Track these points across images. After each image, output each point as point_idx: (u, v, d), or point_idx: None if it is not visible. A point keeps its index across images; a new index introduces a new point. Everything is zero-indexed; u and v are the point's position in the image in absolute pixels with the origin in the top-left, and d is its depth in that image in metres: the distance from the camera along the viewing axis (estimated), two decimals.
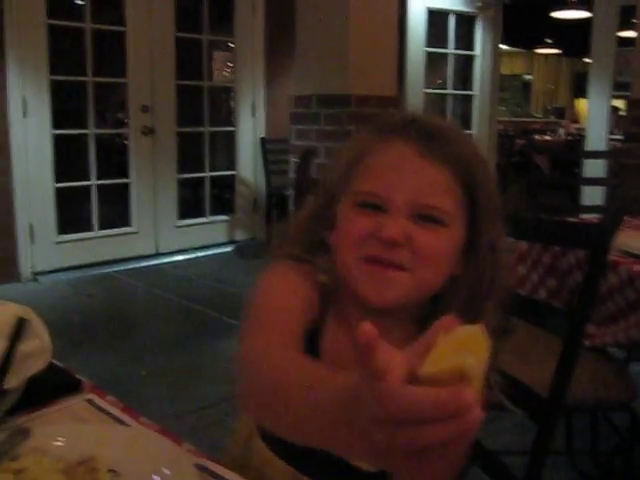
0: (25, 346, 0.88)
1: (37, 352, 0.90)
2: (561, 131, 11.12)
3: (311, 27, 3.46)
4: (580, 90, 12.28)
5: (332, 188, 0.87)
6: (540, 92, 15.01)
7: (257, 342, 0.73)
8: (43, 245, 4.59)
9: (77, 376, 0.95)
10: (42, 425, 0.78)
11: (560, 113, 13.78)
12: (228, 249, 5.46)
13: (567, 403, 1.75)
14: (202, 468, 0.71)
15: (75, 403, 0.89)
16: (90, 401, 0.89)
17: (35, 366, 0.88)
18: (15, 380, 0.84)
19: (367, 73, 3.28)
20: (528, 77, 14.84)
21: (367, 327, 0.43)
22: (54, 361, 0.95)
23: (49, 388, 0.90)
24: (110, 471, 0.70)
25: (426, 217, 0.79)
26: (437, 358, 0.41)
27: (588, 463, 2.30)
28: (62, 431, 0.77)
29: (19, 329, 0.57)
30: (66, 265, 4.67)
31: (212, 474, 0.70)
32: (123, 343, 3.45)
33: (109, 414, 0.85)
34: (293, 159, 3.61)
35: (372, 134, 0.85)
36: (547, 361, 1.61)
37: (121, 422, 0.83)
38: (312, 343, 0.85)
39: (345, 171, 0.85)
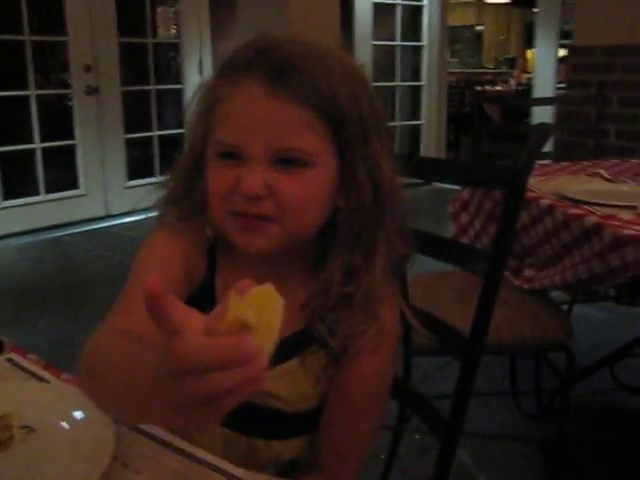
0: None
1: None
2: (512, 81, 11.18)
3: None
4: (531, 40, 12.32)
5: (196, 138, 0.83)
6: (492, 43, 15.01)
7: (100, 332, 0.67)
8: None
9: None
10: None
11: (512, 64, 13.82)
12: None
13: (508, 345, 1.80)
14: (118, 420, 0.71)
15: None
16: (11, 360, 0.87)
17: None
18: None
19: (309, 21, 3.23)
20: (479, 28, 14.82)
21: (151, 279, 0.42)
22: None
23: None
24: (24, 427, 0.70)
25: (287, 160, 0.74)
26: (225, 315, 0.42)
27: (531, 403, 2.38)
28: None
29: None
30: (13, 231, 4.57)
31: (131, 427, 0.70)
32: (73, 306, 3.41)
33: (30, 372, 0.84)
34: None
35: (223, 75, 0.78)
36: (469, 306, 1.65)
37: (42, 379, 0.82)
38: (206, 296, 0.85)
39: (203, 120, 0.81)
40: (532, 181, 2.10)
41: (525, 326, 1.77)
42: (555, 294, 2.44)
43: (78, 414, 0.70)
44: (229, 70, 0.78)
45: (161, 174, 5.47)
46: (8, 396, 0.75)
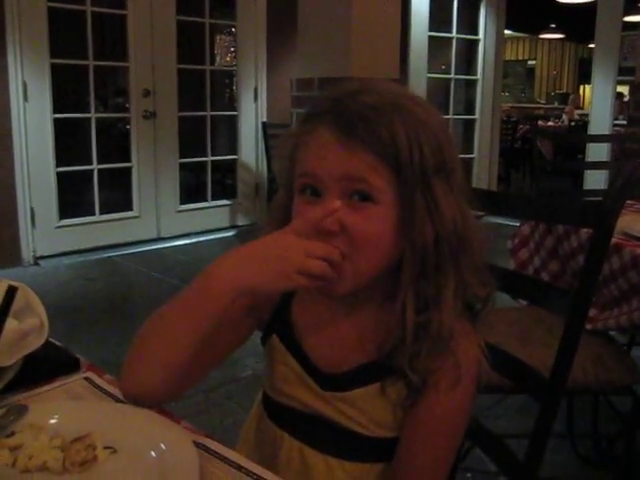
0: (22, 324, 0.88)
1: (34, 330, 0.89)
2: (564, 117, 11.06)
3: (313, 9, 3.42)
4: (584, 76, 12.21)
5: (282, 181, 0.90)
6: (544, 78, 14.93)
7: None
8: (44, 229, 4.58)
9: (75, 355, 0.95)
10: (39, 402, 0.78)
11: (564, 99, 13.70)
12: (230, 234, 5.45)
13: (569, 386, 1.75)
14: (200, 445, 0.70)
15: (73, 381, 0.88)
16: (88, 379, 0.88)
17: (32, 344, 0.87)
18: (11, 358, 0.84)
19: (369, 55, 3.25)
20: (532, 62, 14.77)
21: None
22: (52, 340, 0.94)
23: (47, 366, 0.90)
24: (107, 448, 0.70)
25: (356, 192, 0.80)
26: None
27: (589, 447, 2.30)
28: (59, 408, 0.77)
29: (9, 300, 0.56)
30: (67, 249, 4.67)
31: (209, 451, 0.70)
32: (124, 326, 3.44)
33: (107, 392, 0.84)
34: None
35: (303, 123, 0.86)
36: (549, 344, 1.60)
37: (119, 400, 0.82)
38: (285, 310, 0.94)
39: (289, 164, 0.87)
40: None
41: (589, 367, 1.72)
42: (613, 334, 2.38)
43: (160, 437, 0.70)
44: (308, 118, 0.86)
45: (213, 199, 5.55)
46: (88, 415, 0.75)
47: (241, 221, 5.67)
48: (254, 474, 0.68)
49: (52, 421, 0.73)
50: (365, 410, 0.87)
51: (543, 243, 2.21)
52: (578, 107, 12.15)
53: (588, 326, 1.93)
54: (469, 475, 2.16)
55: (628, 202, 2.45)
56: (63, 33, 4.67)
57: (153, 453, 0.67)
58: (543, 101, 14.12)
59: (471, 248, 0.84)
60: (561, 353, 1.01)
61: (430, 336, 0.82)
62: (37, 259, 4.53)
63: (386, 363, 0.84)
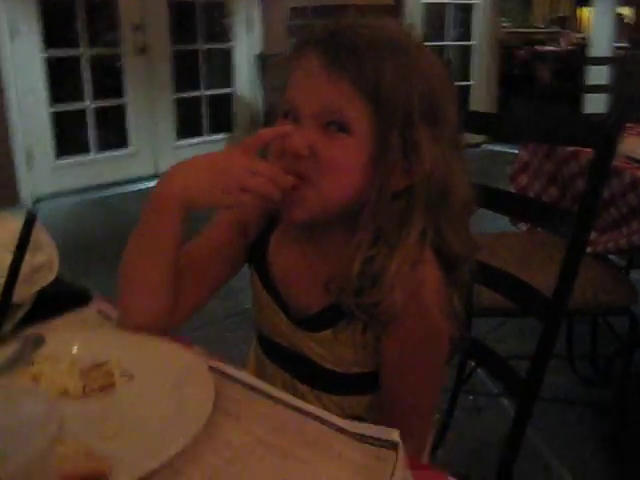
0: (33, 259, 0.89)
1: (45, 265, 0.90)
2: (562, 41, 10.86)
3: None
4: None
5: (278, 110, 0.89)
6: (542, 2, 14.58)
7: None
8: (41, 170, 4.57)
9: (85, 288, 0.96)
10: (55, 333, 0.80)
11: (562, 23, 13.42)
12: None
13: (569, 307, 1.79)
14: (217, 371, 0.73)
15: (85, 313, 0.90)
16: (100, 311, 0.90)
17: (44, 279, 0.89)
18: (24, 293, 0.85)
19: None
20: None
21: None
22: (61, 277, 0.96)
23: (59, 300, 0.91)
24: (124, 374, 0.72)
25: (332, 123, 0.80)
26: None
27: (588, 367, 2.36)
28: (74, 338, 0.79)
29: (29, 229, 0.57)
30: (65, 189, 4.66)
31: (224, 374, 0.72)
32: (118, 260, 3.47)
33: None
34: None
35: (291, 51, 0.86)
36: (550, 268, 1.63)
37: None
38: (261, 252, 0.94)
39: (282, 90, 0.87)
40: None
41: (588, 289, 1.75)
42: (612, 258, 2.41)
43: (175, 362, 0.72)
44: (299, 44, 0.86)
45: (210, 133, 5.50)
46: (104, 344, 0.77)
47: None
48: (267, 394, 0.70)
49: (69, 350, 0.75)
50: (333, 351, 0.89)
51: (542, 168, 2.21)
52: (577, 30, 11.91)
53: (588, 249, 1.95)
54: (471, 397, 2.22)
55: (629, 125, 2.44)
56: None
57: (170, 378, 0.69)
58: (542, 25, 13.82)
59: (452, 205, 0.83)
60: (563, 274, 1.02)
61: (371, 275, 0.81)
62: (36, 200, 4.53)
63: (336, 309, 0.86)
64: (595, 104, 5.15)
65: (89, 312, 0.90)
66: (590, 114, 4.26)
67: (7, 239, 0.84)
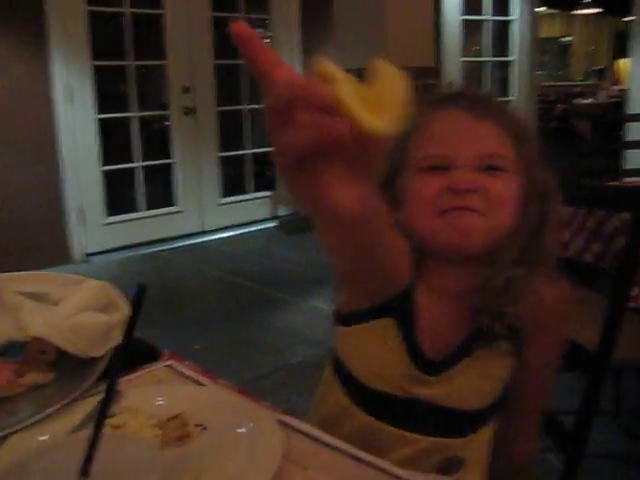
0: (109, 318, 0.97)
1: (120, 324, 0.98)
2: (601, 94, 10.89)
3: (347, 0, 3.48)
4: (621, 50, 11.97)
5: (390, 165, 0.91)
6: (580, 54, 14.68)
7: None
8: (93, 227, 4.74)
9: (155, 345, 1.03)
10: (130, 388, 0.86)
11: (601, 75, 13.47)
12: (271, 225, 5.55)
13: (615, 362, 1.80)
14: (283, 424, 0.78)
15: (156, 369, 0.96)
16: (170, 366, 0.96)
17: (119, 336, 0.96)
18: (103, 349, 0.93)
19: (404, 44, 3.29)
20: (567, 39, 14.53)
21: (239, 24, 0.49)
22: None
23: (132, 357, 0.98)
24: (198, 425, 0.78)
25: (491, 167, 0.86)
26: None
27: (635, 423, 2.34)
28: (150, 391, 0.85)
29: (140, 299, 0.64)
30: (116, 246, 4.81)
31: (294, 429, 0.77)
32: (175, 319, 3.57)
33: (189, 377, 0.93)
34: None
35: (422, 107, 0.92)
36: (593, 324, 1.65)
37: (201, 384, 0.90)
38: (408, 298, 0.90)
39: (401, 145, 0.90)
40: None
41: (634, 344, 1.76)
42: None
43: (246, 415, 0.78)
44: (427, 103, 0.93)
45: (254, 191, 5.63)
46: (178, 397, 0.83)
47: (282, 211, 5.75)
48: (334, 446, 0.75)
49: (146, 403, 0.82)
50: (461, 386, 0.93)
51: (585, 224, 2.24)
52: (616, 83, 11.94)
53: (632, 304, 1.97)
54: None
55: None
56: (103, 35, 4.79)
57: (241, 429, 0.75)
58: (580, 78, 13.90)
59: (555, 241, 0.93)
60: (606, 329, 1.06)
61: (515, 292, 0.88)
62: (87, 256, 4.68)
63: (477, 333, 0.91)
64: (638, 158, 5.15)
65: (160, 367, 0.97)
66: (631, 169, 4.26)
67: (89, 300, 0.92)
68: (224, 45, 5.34)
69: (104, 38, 4.80)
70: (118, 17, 4.77)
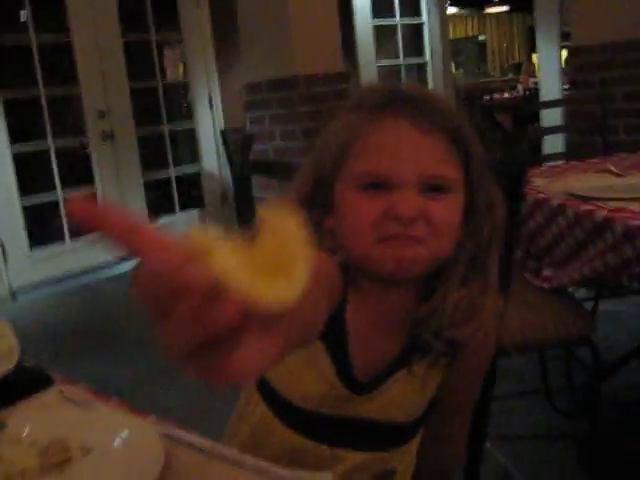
0: None
1: (5, 353, 0.95)
2: (520, 87, 11.20)
3: (251, 13, 3.49)
4: (534, 44, 12.35)
5: (321, 172, 0.87)
6: (495, 51, 15.10)
7: None
8: (16, 262, 4.60)
9: (47, 372, 1.00)
10: (15, 417, 0.83)
11: (517, 69, 13.86)
12: None
13: (533, 344, 1.84)
14: (168, 436, 0.77)
15: (47, 396, 0.94)
16: (61, 391, 0.94)
17: (5, 366, 0.93)
18: None
19: (312, 52, 3.32)
20: (482, 38, 14.91)
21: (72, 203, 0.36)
22: (25, 363, 1.00)
23: (21, 386, 0.95)
24: (82, 448, 0.76)
25: (433, 187, 0.81)
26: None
27: (565, 401, 2.39)
28: (34, 418, 0.83)
29: None
30: (42, 278, 4.68)
31: (176, 440, 0.76)
32: (109, 347, 3.49)
33: (79, 402, 0.90)
34: (255, 147, 3.64)
35: (358, 115, 0.84)
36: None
37: (91, 407, 0.88)
38: (338, 320, 0.87)
39: (336, 155, 0.85)
40: (542, 183, 2.16)
41: (548, 324, 1.81)
42: (581, 292, 2.48)
43: (127, 433, 0.76)
44: (362, 109, 0.84)
45: (181, 211, 5.58)
46: (61, 423, 0.81)
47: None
48: (220, 455, 0.74)
49: (28, 431, 0.79)
50: (394, 402, 0.92)
51: None
52: (532, 75, 12.30)
53: (546, 285, 2.02)
54: None
55: (574, 163, 2.55)
56: (11, 66, 4.68)
57: (120, 446, 0.74)
58: (498, 74, 14.27)
59: (501, 240, 0.91)
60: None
61: (465, 317, 0.87)
62: (13, 293, 4.54)
63: (411, 345, 0.90)
64: (554, 144, 5.32)
65: (50, 394, 0.94)
66: (549, 154, 4.39)
67: None
68: (137, 67, 5.28)
69: (13, 69, 4.69)
70: (25, 47, 4.65)
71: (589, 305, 2.54)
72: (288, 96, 3.32)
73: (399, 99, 0.83)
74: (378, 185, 0.80)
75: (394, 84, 0.89)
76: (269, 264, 0.37)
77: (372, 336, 0.90)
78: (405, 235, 0.79)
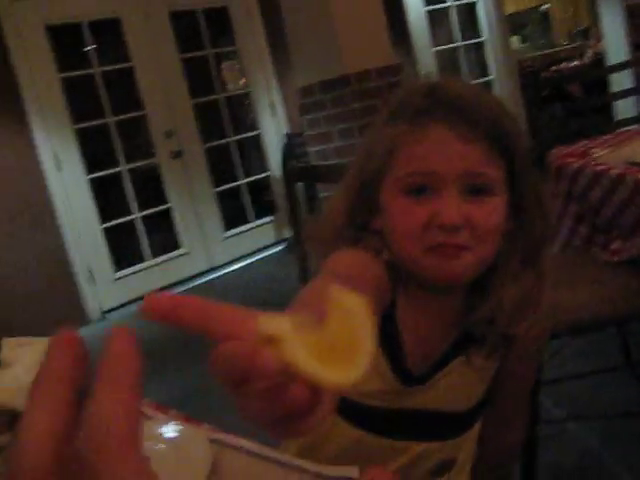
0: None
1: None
2: (589, 52, 10.81)
3: (297, 16, 3.52)
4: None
5: (366, 177, 0.89)
6: (560, 19, 14.61)
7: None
8: (104, 284, 4.81)
9: None
10: None
11: (585, 35, 13.37)
12: (279, 248, 5.57)
13: (603, 322, 1.80)
14: (216, 441, 0.80)
15: None
16: None
17: None
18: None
19: (359, 47, 3.32)
20: (545, 7, 14.47)
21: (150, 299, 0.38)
22: None
23: None
24: None
25: (476, 187, 0.82)
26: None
27: None
28: None
29: None
30: (129, 299, 4.87)
31: (224, 444, 0.80)
32: (195, 361, 3.59)
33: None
34: (310, 149, 3.68)
35: (398, 123, 0.85)
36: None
37: (151, 418, 0.93)
38: (390, 318, 0.90)
39: (380, 163, 0.87)
40: (603, 152, 2.10)
41: (618, 299, 1.76)
42: None
43: (175, 436, 0.80)
44: (404, 116, 0.85)
45: (255, 219, 5.67)
46: None
47: (287, 234, 5.78)
48: (266, 457, 0.78)
49: None
50: (448, 387, 0.93)
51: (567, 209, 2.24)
52: (601, 40, 11.84)
53: (615, 258, 1.96)
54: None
55: (633, 130, 2.46)
56: (80, 98, 4.89)
57: (169, 449, 0.78)
58: (566, 42, 13.81)
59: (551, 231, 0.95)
60: None
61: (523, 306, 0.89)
62: (103, 313, 4.75)
63: (468, 336, 0.92)
64: (626, 108, 5.13)
65: None
66: (623, 120, 4.24)
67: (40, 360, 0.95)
68: (198, 84, 5.42)
69: (81, 100, 4.90)
70: (90, 78, 4.86)
71: None
72: (341, 95, 3.34)
73: (438, 104, 0.83)
74: (422, 189, 0.82)
75: (433, 84, 0.88)
76: (335, 347, 0.39)
77: (424, 332, 0.92)
78: (450, 243, 0.81)
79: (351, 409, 0.94)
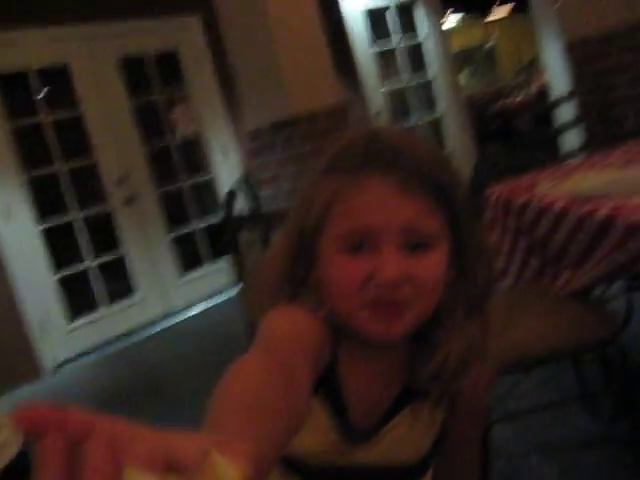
0: None
1: (7, 441, 0.97)
2: (533, 87, 11.11)
3: (244, 60, 3.55)
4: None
5: (304, 229, 0.86)
6: (504, 55, 15.04)
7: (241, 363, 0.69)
8: (58, 336, 4.69)
9: None
10: None
11: (529, 69, 13.76)
12: (236, 290, 5.50)
13: (555, 353, 1.81)
14: None
15: None
16: None
17: (6, 455, 0.95)
18: None
19: (306, 90, 3.35)
20: (490, 44, 14.88)
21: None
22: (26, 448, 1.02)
23: (28, 471, 0.97)
24: None
25: (416, 242, 0.80)
26: None
27: (606, 405, 2.33)
28: None
29: None
30: (85, 349, 4.75)
31: None
32: (155, 406, 3.51)
33: None
34: (262, 192, 3.68)
35: (337, 175, 0.83)
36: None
37: None
38: (333, 374, 0.87)
39: (318, 216, 0.84)
40: (547, 186, 2.14)
41: (567, 332, 1.78)
42: (616, 286, 2.42)
43: None
44: (342, 169, 0.83)
45: (212, 261, 5.62)
46: None
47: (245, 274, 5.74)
48: None
49: None
50: (396, 441, 0.91)
51: (506, 223, 2.27)
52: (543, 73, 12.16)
53: (564, 291, 1.99)
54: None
55: (582, 159, 2.52)
56: (28, 147, 4.81)
57: None
58: (511, 77, 14.18)
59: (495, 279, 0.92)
60: None
61: (469, 357, 0.87)
62: (57, 367, 4.62)
63: (409, 390, 0.91)
64: (572, 140, 5.25)
65: None
66: (568, 152, 4.34)
67: None
68: (150, 128, 5.39)
69: (30, 149, 4.82)
70: (38, 126, 4.80)
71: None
72: (290, 137, 3.35)
73: (376, 157, 0.81)
74: (360, 245, 0.80)
75: (372, 135, 0.85)
76: None
77: (367, 387, 0.90)
78: (391, 299, 0.79)
79: (301, 470, 0.91)
